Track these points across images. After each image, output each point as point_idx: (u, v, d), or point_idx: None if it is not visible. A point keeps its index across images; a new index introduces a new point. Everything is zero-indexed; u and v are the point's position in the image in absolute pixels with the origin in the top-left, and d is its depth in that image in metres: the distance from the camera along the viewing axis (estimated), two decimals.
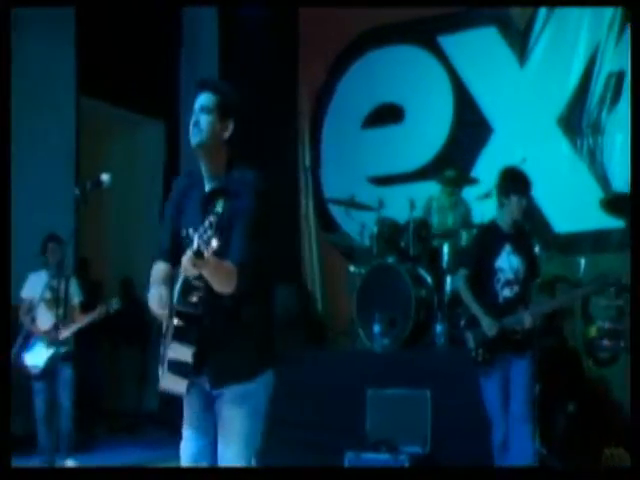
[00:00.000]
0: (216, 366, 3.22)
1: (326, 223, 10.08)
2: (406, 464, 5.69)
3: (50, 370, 6.71)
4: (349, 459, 5.88)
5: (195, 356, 3.13)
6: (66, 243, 6.75)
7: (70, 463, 6.83)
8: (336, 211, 9.59)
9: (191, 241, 2.94)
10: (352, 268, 7.57)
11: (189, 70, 10.90)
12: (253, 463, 3.28)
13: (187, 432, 3.36)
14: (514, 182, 5.29)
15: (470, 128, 9.24)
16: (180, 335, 3.12)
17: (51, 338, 6.79)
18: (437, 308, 6.92)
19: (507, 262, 5.22)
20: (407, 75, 9.55)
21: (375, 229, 7.39)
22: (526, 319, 5.09)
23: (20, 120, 8.74)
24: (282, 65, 10.31)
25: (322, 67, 10.28)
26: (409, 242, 7.22)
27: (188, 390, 3.22)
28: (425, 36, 9.54)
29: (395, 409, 6.12)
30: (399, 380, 6.23)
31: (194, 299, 3.10)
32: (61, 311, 6.88)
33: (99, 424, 8.93)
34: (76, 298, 7.09)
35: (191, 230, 3.12)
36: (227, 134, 3.27)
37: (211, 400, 3.30)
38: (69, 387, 6.88)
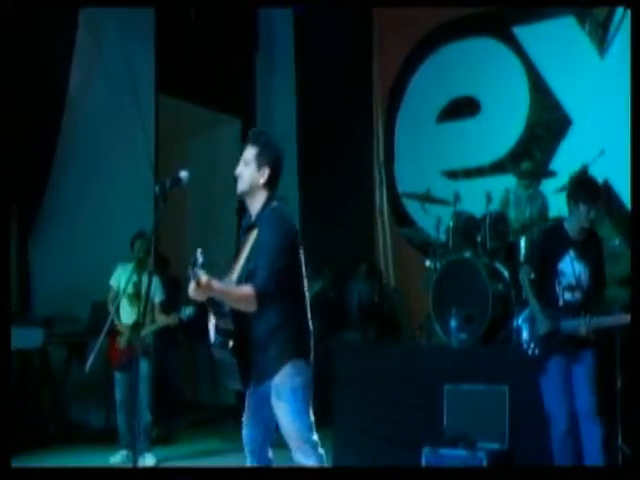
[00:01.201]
0: (253, 369, 3.82)
1: (401, 218, 10.06)
2: (484, 460, 5.64)
3: (129, 361, 6.86)
4: (426, 455, 5.85)
5: (237, 362, 3.79)
6: (149, 240, 6.86)
7: (150, 460, 6.97)
8: (411, 205, 9.55)
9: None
10: (428, 263, 7.50)
11: (265, 68, 11.02)
12: (315, 436, 3.81)
13: (244, 423, 3.97)
14: (584, 191, 5.19)
15: (548, 120, 9.10)
16: (219, 346, 3.90)
17: (132, 333, 6.94)
18: (514, 303, 6.83)
19: (570, 267, 5.14)
20: (482, 68, 9.47)
21: (451, 223, 7.33)
22: (582, 328, 5.00)
23: (102, 119, 8.99)
24: (356, 62, 10.33)
25: (396, 62, 10.26)
26: (486, 236, 7.14)
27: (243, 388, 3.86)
28: (500, 27, 9.43)
29: (473, 405, 6.06)
30: (476, 375, 6.16)
31: (224, 315, 3.82)
32: (142, 308, 7.02)
33: (178, 417, 9.08)
34: (157, 297, 7.19)
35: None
36: (263, 180, 3.84)
37: (261, 396, 3.83)
38: (147, 381, 7.01)
